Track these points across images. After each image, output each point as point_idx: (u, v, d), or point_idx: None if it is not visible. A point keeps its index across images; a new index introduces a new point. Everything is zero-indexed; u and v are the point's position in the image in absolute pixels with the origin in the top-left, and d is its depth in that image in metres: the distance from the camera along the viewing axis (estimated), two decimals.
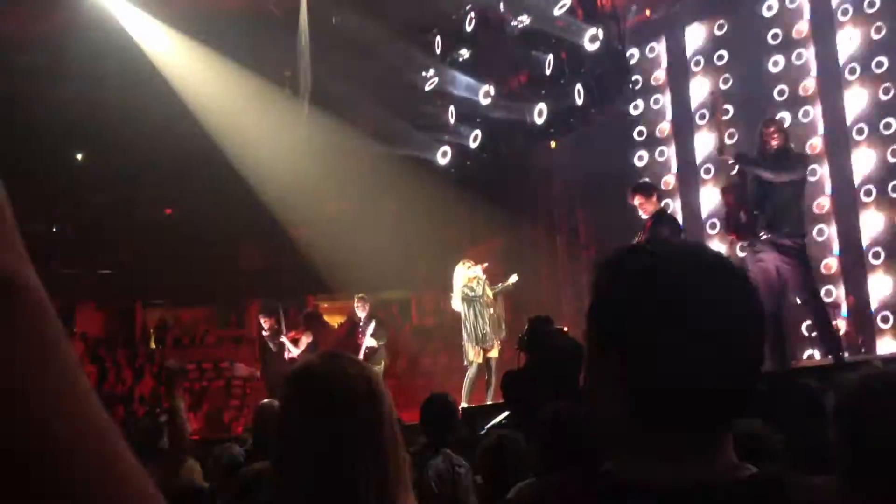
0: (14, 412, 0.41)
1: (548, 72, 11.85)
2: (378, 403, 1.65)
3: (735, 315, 1.02)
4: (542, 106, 12.20)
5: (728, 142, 7.87)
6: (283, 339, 11.66)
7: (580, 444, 3.20)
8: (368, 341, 10.80)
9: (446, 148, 14.46)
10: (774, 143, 6.96)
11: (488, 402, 9.01)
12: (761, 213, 6.84)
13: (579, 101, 11.25)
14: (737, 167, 7.09)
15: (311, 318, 12.12)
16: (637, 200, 7.75)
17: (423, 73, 14.08)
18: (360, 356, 10.42)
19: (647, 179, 9.01)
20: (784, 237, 6.73)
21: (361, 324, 11.23)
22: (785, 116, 10.59)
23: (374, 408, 1.64)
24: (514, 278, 9.91)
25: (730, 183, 7.34)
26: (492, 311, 9.67)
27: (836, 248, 10.75)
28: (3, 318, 0.44)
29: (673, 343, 0.99)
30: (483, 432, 7.04)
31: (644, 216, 7.77)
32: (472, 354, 9.56)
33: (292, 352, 11.38)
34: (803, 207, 7.13)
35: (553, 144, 15.36)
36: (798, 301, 7.24)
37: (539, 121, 12.36)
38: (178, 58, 15.47)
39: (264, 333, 11.95)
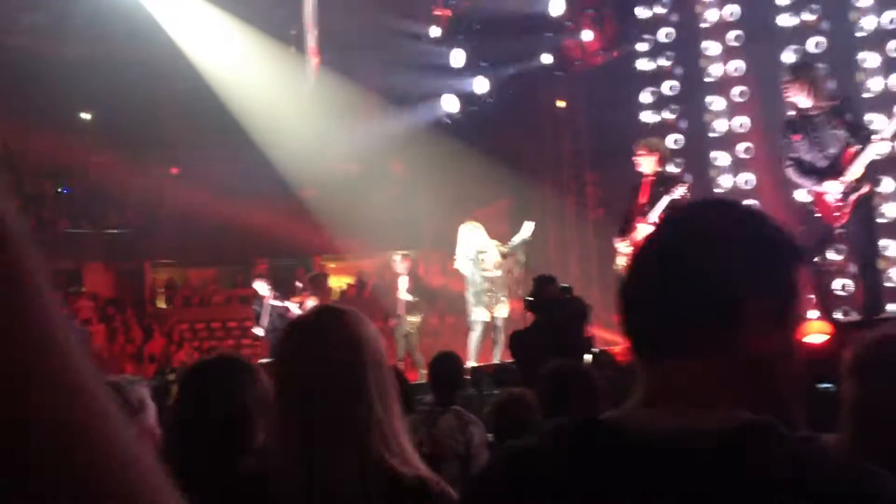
0: None
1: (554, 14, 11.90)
2: (365, 349, 1.71)
3: (685, 256, 1.07)
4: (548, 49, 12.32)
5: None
6: (288, 303, 11.70)
7: (581, 397, 3.24)
8: (404, 296, 10.78)
9: (453, 96, 14.45)
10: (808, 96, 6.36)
11: (495, 362, 9.05)
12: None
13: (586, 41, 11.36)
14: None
15: (316, 280, 12.08)
16: (640, 151, 7.69)
17: (428, 21, 14.04)
18: (401, 310, 10.69)
19: (658, 138, 8.89)
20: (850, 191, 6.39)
21: (399, 281, 11.16)
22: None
23: (361, 352, 1.70)
24: (528, 227, 9.68)
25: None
26: (499, 273, 9.62)
27: None
28: None
29: (628, 283, 1.09)
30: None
31: (644, 171, 7.70)
32: (476, 314, 9.58)
33: (298, 312, 11.44)
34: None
35: (562, 104, 15.29)
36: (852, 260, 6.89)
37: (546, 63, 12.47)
38: (183, 17, 15.36)
39: (267, 297, 12.04)
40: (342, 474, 1.62)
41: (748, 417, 1.00)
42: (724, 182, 11.65)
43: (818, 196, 6.48)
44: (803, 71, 6.68)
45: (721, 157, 11.75)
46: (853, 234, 6.53)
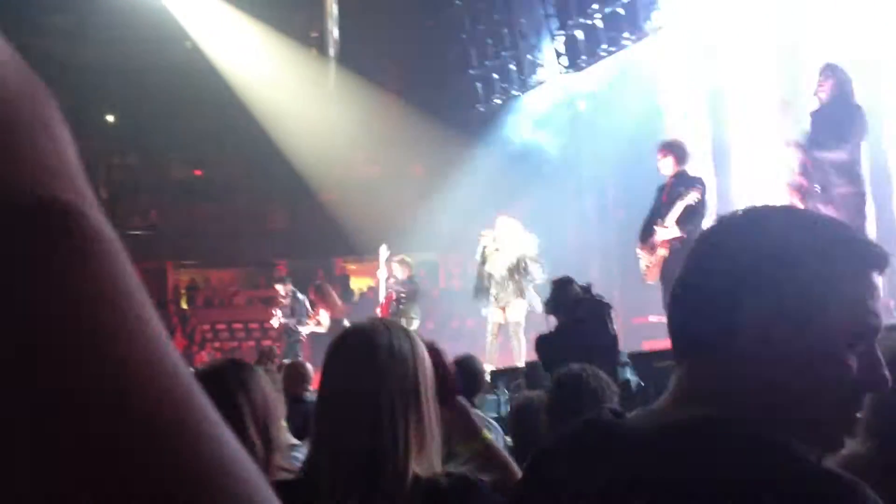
0: (88, 353, 0.37)
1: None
2: (414, 369, 1.69)
3: (705, 271, 1.11)
4: (559, 40, 12.55)
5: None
6: (303, 328, 11.71)
7: (589, 401, 3.21)
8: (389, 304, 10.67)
9: (476, 92, 14.59)
10: (824, 95, 6.31)
11: (518, 364, 8.92)
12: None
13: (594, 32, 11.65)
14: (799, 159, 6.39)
15: (320, 291, 11.99)
16: (658, 155, 7.62)
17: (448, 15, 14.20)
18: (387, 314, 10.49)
19: (676, 138, 8.79)
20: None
21: (399, 286, 11.07)
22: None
23: (410, 373, 1.68)
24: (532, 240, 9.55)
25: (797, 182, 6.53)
26: (504, 273, 9.34)
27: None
28: (69, 256, 0.37)
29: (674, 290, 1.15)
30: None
31: (664, 174, 7.61)
32: (487, 313, 9.47)
33: (320, 331, 11.49)
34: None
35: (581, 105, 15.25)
36: None
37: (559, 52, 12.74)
38: (206, 20, 15.47)
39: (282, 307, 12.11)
40: (379, 484, 1.60)
41: (694, 415, 1.02)
42: (738, 185, 11.57)
43: None
44: (839, 71, 6.65)
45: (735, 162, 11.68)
46: None
